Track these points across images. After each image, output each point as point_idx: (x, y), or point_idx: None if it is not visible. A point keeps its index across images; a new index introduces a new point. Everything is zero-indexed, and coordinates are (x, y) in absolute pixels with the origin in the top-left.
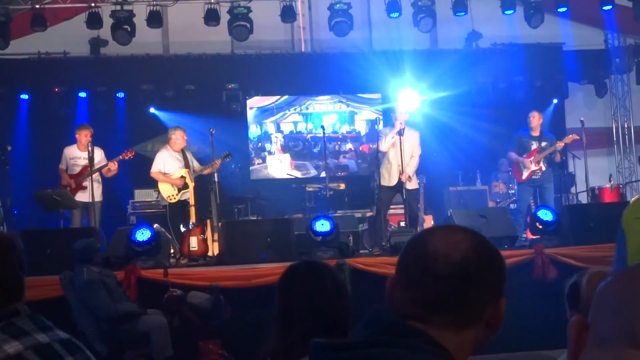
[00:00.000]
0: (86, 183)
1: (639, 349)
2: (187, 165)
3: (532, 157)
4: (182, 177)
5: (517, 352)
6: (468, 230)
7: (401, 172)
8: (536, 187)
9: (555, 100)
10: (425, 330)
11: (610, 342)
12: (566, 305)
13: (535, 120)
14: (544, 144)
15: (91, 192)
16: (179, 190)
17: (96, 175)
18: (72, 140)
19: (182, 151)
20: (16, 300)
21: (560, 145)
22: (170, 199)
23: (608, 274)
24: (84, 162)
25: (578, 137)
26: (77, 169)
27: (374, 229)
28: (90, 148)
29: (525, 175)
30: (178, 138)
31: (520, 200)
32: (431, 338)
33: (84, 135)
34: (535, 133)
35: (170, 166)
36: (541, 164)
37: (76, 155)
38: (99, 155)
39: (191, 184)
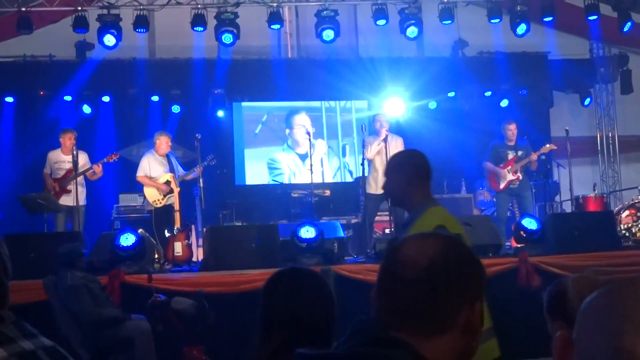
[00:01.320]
0: (70, 187)
1: None
2: (172, 169)
3: (510, 167)
4: (167, 181)
5: None
6: (440, 235)
7: None
8: (514, 195)
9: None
10: (407, 341)
11: (595, 359)
12: (547, 315)
13: (510, 133)
14: (520, 152)
15: (75, 196)
16: (165, 195)
17: (80, 179)
18: (57, 145)
19: (167, 156)
20: (0, 307)
21: (535, 155)
22: (156, 204)
23: (594, 280)
24: (68, 165)
25: (555, 147)
26: (62, 173)
27: (359, 236)
28: (74, 152)
29: (502, 184)
30: (162, 143)
31: (499, 209)
32: (413, 349)
33: (67, 139)
34: (511, 143)
35: (155, 170)
36: (519, 173)
37: (60, 159)
38: (83, 158)
39: (176, 189)
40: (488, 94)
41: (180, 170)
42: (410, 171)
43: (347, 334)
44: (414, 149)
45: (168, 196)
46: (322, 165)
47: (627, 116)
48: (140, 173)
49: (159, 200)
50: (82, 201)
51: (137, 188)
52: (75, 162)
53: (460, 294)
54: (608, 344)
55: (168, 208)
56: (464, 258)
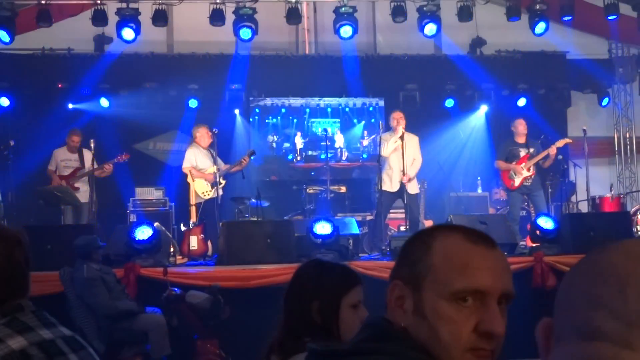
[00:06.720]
0: (78, 184)
1: (588, 341)
2: (215, 162)
3: (523, 164)
4: (214, 173)
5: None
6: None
7: (403, 175)
8: (527, 194)
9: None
10: (412, 335)
11: (564, 337)
12: None
13: (521, 128)
14: (532, 150)
15: (90, 192)
16: (212, 186)
17: (85, 177)
18: (62, 142)
19: (209, 148)
20: (21, 296)
21: (553, 149)
22: (205, 195)
23: None
24: (75, 164)
25: (571, 141)
26: (69, 171)
27: (374, 233)
28: (91, 152)
29: (517, 182)
30: (203, 135)
31: (512, 208)
32: (415, 343)
33: (75, 141)
34: (522, 140)
35: (202, 162)
36: (533, 170)
37: (67, 157)
38: (89, 158)
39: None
40: (506, 92)
41: (220, 163)
42: None
43: (359, 329)
44: None
45: (215, 188)
46: (341, 158)
47: None
48: (186, 164)
49: (207, 191)
50: (87, 198)
51: (154, 182)
52: (82, 161)
53: (396, 269)
54: (573, 322)
55: (214, 200)
56: (412, 239)
